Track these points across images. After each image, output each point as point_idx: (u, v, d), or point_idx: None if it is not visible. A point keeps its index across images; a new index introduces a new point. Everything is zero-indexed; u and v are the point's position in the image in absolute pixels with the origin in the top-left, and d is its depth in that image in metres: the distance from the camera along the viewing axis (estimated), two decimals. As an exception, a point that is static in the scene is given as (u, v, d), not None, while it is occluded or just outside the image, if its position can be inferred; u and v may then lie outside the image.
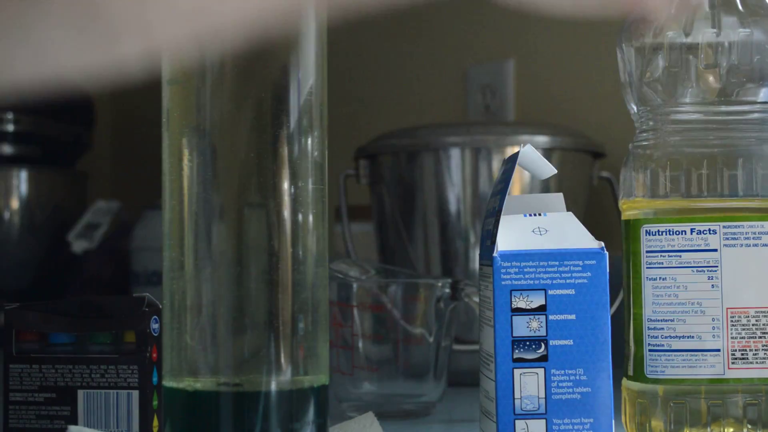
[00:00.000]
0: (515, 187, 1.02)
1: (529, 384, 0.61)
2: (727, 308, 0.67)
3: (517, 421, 0.61)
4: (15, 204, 1.65)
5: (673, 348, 0.67)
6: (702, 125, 0.68)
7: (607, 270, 0.61)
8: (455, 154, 1.03)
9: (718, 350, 0.66)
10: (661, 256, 0.67)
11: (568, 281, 0.61)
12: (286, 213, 0.58)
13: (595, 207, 1.15)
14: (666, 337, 0.67)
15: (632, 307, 0.69)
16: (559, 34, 1.28)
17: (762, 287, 0.67)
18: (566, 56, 1.27)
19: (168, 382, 0.59)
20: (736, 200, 0.67)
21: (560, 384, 0.61)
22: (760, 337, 0.67)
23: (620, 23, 0.71)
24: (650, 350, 0.67)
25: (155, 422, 0.68)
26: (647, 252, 0.68)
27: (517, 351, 0.61)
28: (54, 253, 1.63)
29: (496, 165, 1.02)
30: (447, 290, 0.83)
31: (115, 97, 2.12)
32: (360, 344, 0.83)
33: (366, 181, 1.09)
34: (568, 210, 0.64)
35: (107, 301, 0.68)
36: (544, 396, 0.61)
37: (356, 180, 1.10)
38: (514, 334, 0.61)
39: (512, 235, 0.62)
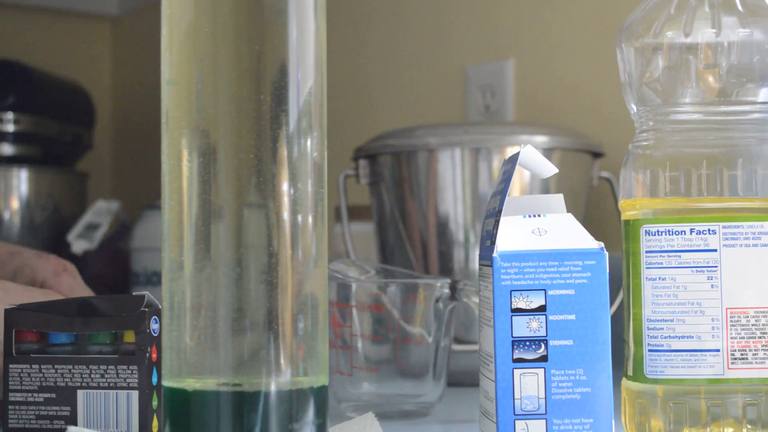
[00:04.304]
0: (515, 187, 1.02)
1: (528, 384, 0.61)
2: (726, 308, 0.67)
3: (517, 422, 0.61)
4: (15, 204, 1.65)
5: (672, 348, 0.67)
6: (702, 125, 0.68)
7: (607, 270, 0.61)
8: (455, 154, 1.03)
9: (718, 350, 0.66)
10: (660, 256, 0.67)
11: (567, 281, 0.61)
12: (286, 214, 0.58)
13: (595, 207, 1.15)
14: (665, 337, 0.67)
15: (632, 307, 0.69)
16: (559, 34, 1.28)
17: (762, 287, 0.67)
18: (566, 56, 1.27)
19: (168, 382, 0.59)
20: (736, 200, 0.67)
21: (560, 384, 0.61)
22: (760, 337, 0.67)
23: (620, 23, 0.71)
24: (650, 350, 0.67)
25: (155, 422, 0.68)
26: (647, 252, 0.68)
27: (516, 351, 0.61)
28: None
29: (496, 165, 1.02)
30: (446, 290, 0.83)
31: (115, 97, 2.12)
32: (359, 344, 0.83)
33: (366, 181, 1.09)
34: (568, 210, 0.64)
35: (107, 301, 0.68)
36: (544, 396, 0.61)
37: (356, 180, 1.10)
38: (513, 335, 0.61)
39: (512, 235, 0.62)
